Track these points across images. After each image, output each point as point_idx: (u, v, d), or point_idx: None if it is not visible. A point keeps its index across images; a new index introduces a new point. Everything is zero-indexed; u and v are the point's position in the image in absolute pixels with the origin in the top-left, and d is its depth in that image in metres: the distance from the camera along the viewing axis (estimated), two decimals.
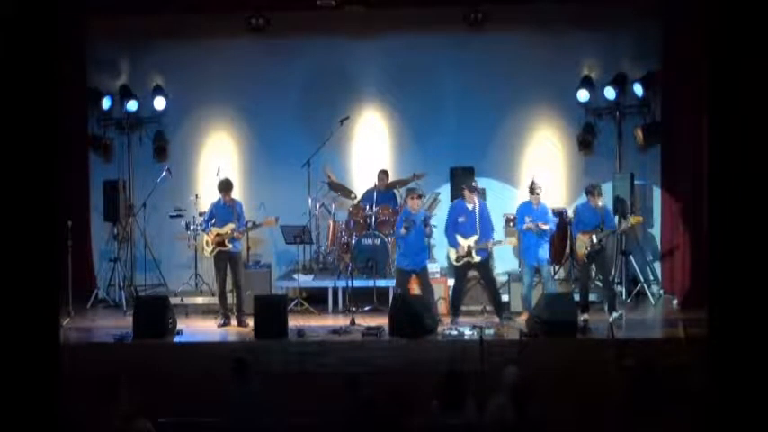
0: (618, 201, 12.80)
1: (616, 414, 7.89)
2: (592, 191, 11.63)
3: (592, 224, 11.57)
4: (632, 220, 11.98)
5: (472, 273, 11.92)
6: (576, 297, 11.61)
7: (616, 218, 12.40)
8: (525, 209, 11.73)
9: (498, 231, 13.40)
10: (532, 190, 11.65)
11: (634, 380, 8.05)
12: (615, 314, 11.44)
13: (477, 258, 11.50)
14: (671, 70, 12.92)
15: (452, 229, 11.58)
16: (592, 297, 11.99)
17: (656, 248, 13.51)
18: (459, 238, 11.50)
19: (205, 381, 9.46)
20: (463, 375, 7.96)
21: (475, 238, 11.46)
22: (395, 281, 11.92)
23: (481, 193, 12.49)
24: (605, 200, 12.12)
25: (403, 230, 11.44)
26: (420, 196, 11.69)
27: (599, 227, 11.51)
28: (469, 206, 11.58)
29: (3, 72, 5.90)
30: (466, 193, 11.63)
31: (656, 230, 13.56)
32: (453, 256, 11.66)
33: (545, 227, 11.52)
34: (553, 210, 12.68)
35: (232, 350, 10.28)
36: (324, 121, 13.72)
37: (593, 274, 12.34)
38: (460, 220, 11.57)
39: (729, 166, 6.06)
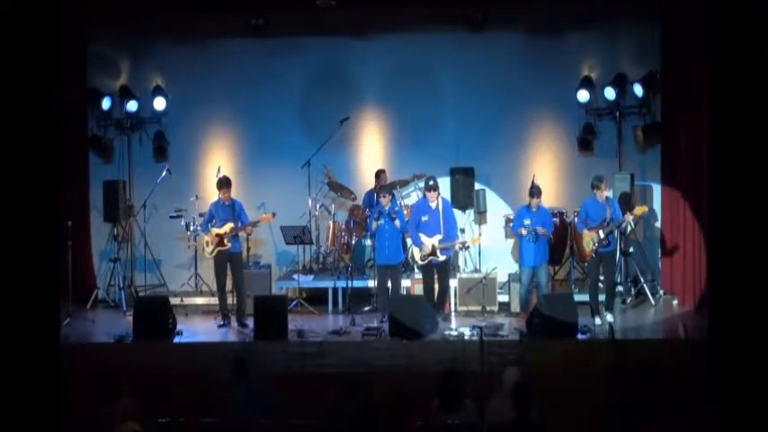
0: (622, 195, 12.71)
1: (616, 414, 7.89)
2: (598, 184, 11.34)
3: (599, 219, 11.35)
4: (637, 210, 11.73)
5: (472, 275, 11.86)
6: (577, 297, 11.54)
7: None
8: (523, 212, 11.67)
9: (498, 231, 13.46)
10: (531, 193, 11.59)
11: (634, 380, 8.06)
12: (609, 317, 11.37)
13: (441, 258, 11.50)
14: (671, 70, 12.90)
15: (416, 228, 11.56)
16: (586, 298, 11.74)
17: (657, 248, 13.48)
18: (424, 237, 11.49)
19: (205, 381, 9.46)
20: (463, 375, 7.97)
21: (439, 236, 11.46)
22: (376, 278, 11.95)
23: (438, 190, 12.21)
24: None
25: (374, 224, 11.60)
26: (392, 195, 11.83)
27: (605, 221, 11.32)
28: (432, 204, 11.55)
29: (3, 72, 5.91)
30: (427, 192, 11.58)
31: (656, 231, 13.54)
32: (418, 255, 11.65)
33: (541, 230, 11.40)
34: (553, 210, 12.65)
35: (232, 350, 10.27)
36: (324, 121, 13.69)
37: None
38: (424, 219, 11.55)
39: (729, 166, 6.06)
